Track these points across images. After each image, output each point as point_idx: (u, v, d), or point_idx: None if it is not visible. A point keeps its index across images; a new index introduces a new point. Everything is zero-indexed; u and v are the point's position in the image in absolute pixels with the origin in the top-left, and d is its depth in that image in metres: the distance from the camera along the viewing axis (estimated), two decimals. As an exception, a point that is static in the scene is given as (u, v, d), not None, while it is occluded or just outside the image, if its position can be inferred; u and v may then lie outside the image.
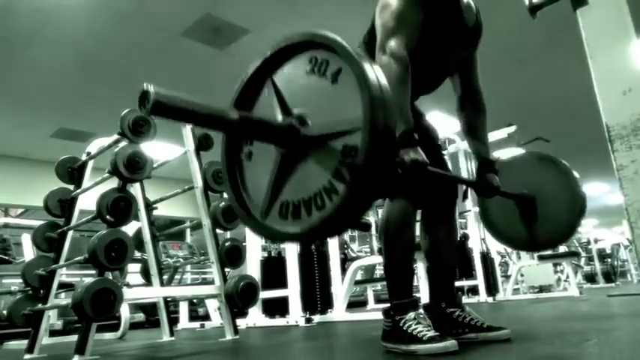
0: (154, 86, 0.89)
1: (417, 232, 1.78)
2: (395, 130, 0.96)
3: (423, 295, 3.33)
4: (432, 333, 1.41)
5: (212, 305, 4.68)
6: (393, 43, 1.45)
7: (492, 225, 2.05)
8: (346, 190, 0.93)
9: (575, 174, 1.86)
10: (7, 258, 5.64)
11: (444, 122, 5.68)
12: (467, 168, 5.48)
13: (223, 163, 1.20)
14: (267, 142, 1.07)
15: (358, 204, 0.96)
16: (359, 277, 4.98)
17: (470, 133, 1.83)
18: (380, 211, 5.69)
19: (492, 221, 2.04)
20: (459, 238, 5.74)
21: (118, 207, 2.20)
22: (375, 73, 0.95)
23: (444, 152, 5.71)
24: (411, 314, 1.47)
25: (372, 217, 6.41)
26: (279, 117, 1.07)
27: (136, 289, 3.52)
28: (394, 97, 1.38)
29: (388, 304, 1.56)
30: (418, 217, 1.77)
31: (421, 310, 1.53)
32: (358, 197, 0.94)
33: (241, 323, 3.76)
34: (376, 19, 1.55)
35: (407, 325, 1.45)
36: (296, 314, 3.57)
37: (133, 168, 2.27)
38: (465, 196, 1.82)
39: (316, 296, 3.92)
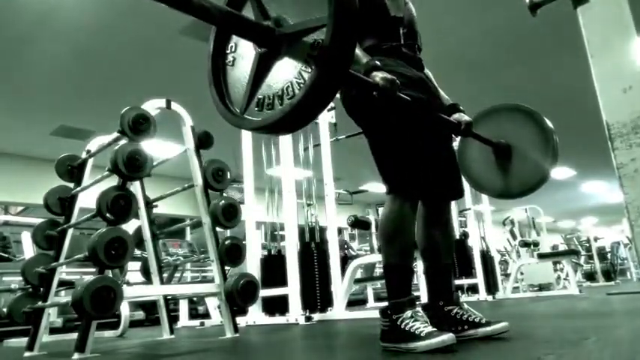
0: None
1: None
2: (357, 24, 1.07)
3: (423, 293, 3.33)
4: (429, 329, 1.41)
5: (212, 303, 4.68)
6: None
7: (470, 172, 2.09)
8: (312, 77, 1.05)
9: (549, 124, 1.91)
10: (7, 256, 5.64)
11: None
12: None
13: (208, 69, 1.34)
14: (246, 37, 1.20)
15: (323, 89, 1.08)
16: (359, 275, 4.99)
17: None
18: (380, 210, 5.69)
19: (470, 168, 2.09)
20: (458, 237, 5.78)
21: (118, 205, 2.20)
22: None
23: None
24: (408, 312, 1.48)
25: (372, 216, 6.42)
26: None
27: (136, 287, 3.52)
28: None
29: (386, 304, 1.56)
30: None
31: (418, 308, 1.53)
32: (323, 82, 1.06)
33: (241, 321, 3.77)
34: None
35: (404, 323, 1.45)
36: (296, 312, 3.58)
37: (133, 166, 2.27)
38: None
39: (316, 294, 3.92)
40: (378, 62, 1.48)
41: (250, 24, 1.17)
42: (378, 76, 1.43)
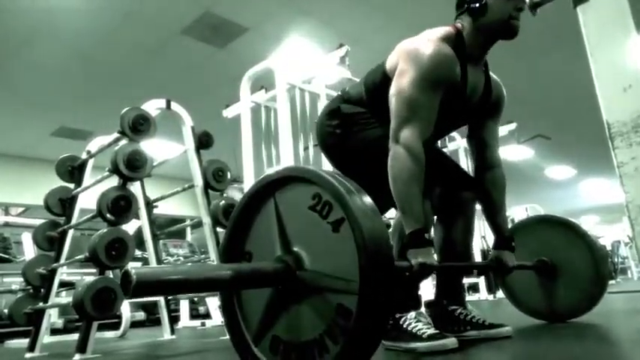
0: (135, 268, 0.84)
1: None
2: (391, 295, 0.91)
3: (424, 292, 3.32)
4: (431, 331, 1.41)
5: (213, 304, 4.68)
6: (406, 134, 1.39)
7: (513, 293, 2.00)
8: (339, 354, 0.90)
9: (597, 240, 1.80)
10: (7, 257, 5.64)
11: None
12: (467, 165, 5.48)
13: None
14: (261, 287, 1.05)
15: None
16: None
17: (487, 208, 1.73)
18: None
19: (512, 289, 2.00)
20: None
21: (119, 205, 2.20)
22: (377, 234, 0.89)
23: (445, 149, 5.71)
24: (412, 313, 1.48)
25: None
26: (278, 249, 1.04)
27: (137, 287, 3.51)
28: (406, 193, 1.35)
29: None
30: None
31: (422, 309, 1.53)
32: None
33: (242, 321, 3.76)
34: (390, 99, 1.47)
35: (407, 323, 1.45)
36: (297, 312, 3.57)
37: (133, 166, 2.27)
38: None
39: (317, 294, 3.91)
40: (426, 235, 1.35)
41: (266, 274, 1.00)
42: (418, 259, 1.30)
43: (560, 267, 1.83)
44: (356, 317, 0.87)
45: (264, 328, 1.05)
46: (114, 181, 2.32)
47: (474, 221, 1.77)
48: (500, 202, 1.71)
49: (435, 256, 1.61)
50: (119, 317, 3.74)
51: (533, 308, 1.95)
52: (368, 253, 0.86)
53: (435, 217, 1.69)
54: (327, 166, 4.14)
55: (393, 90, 1.46)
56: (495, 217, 1.71)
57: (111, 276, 2.57)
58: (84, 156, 2.91)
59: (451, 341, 1.36)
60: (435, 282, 1.77)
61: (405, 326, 1.45)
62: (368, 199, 0.94)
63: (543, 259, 1.84)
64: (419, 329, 1.42)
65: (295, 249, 1.02)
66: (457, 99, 1.53)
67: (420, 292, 1.58)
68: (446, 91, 1.47)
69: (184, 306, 4.73)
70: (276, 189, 1.09)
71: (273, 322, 1.04)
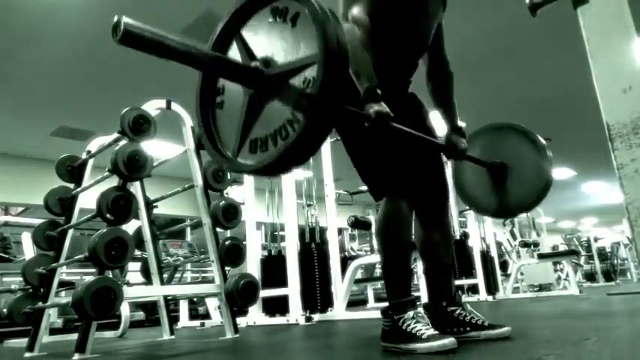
0: (125, 17, 0.98)
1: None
2: (347, 59, 1.06)
3: (423, 294, 3.32)
4: (430, 331, 1.41)
5: (212, 304, 4.69)
6: (354, 10, 1.56)
7: (466, 192, 2.10)
8: (305, 118, 1.03)
9: (545, 146, 1.92)
10: (7, 256, 5.64)
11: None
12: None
13: (198, 114, 1.30)
14: (235, 81, 1.18)
15: (317, 129, 1.07)
16: (359, 275, 4.98)
17: (439, 101, 1.87)
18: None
19: (465, 189, 2.10)
20: (459, 237, 5.77)
21: (118, 205, 2.20)
22: (328, 10, 1.05)
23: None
24: (410, 313, 1.47)
25: (372, 216, 6.41)
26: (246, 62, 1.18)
27: (136, 287, 3.52)
28: (358, 58, 1.47)
29: (387, 304, 1.56)
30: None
31: (420, 309, 1.53)
32: (316, 123, 1.04)
33: (241, 322, 3.77)
34: None
35: (406, 324, 1.45)
36: (296, 313, 3.58)
37: (133, 167, 2.27)
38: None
39: (316, 295, 3.92)
40: (377, 90, 1.43)
41: (238, 67, 1.15)
42: (373, 108, 1.39)
43: (509, 166, 1.94)
44: (318, 73, 1.00)
45: (242, 139, 1.18)
46: (114, 181, 2.32)
47: (450, 223, 1.85)
48: (451, 94, 1.87)
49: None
50: (118, 317, 3.74)
51: (484, 205, 2.07)
52: (323, 19, 1.02)
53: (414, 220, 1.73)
54: (327, 165, 4.14)
55: None
56: (447, 109, 1.86)
57: (110, 276, 2.57)
58: (84, 156, 2.91)
59: (450, 341, 1.36)
60: (426, 284, 1.79)
61: (403, 327, 1.45)
62: None
63: (495, 160, 1.94)
64: (418, 330, 1.42)
65: (261, 56, 1.16)
66: None
67: (417, 294, 1.59)
68: None
69: (184, 306, 4.73)
70: (239, 27, 1.24)
71: (249, 130, 1.17)
